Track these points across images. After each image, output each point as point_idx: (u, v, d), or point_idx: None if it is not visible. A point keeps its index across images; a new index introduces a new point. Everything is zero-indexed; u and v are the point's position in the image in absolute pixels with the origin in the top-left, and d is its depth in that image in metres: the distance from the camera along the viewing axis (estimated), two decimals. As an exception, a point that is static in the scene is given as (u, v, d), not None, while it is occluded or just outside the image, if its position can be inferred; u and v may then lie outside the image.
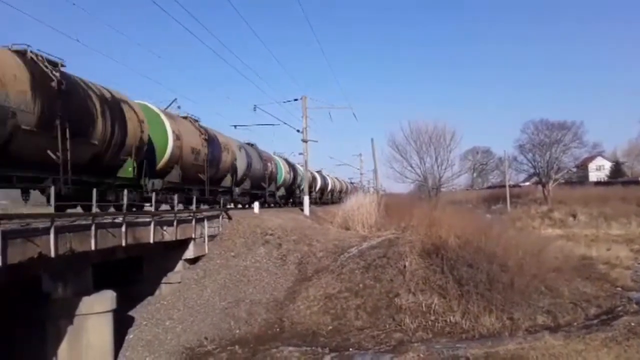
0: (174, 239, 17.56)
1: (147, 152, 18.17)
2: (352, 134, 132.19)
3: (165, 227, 16.97)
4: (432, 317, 16.26)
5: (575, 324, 15.89)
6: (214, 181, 24.23)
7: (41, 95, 12.33)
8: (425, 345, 14.47)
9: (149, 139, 18.19)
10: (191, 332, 15.89)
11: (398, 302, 17.08)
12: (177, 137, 19.86)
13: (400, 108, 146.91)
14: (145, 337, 15.60)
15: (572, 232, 40.04)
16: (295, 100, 35.07)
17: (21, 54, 12.53)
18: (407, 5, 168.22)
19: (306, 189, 34.86)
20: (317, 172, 55.24)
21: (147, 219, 15.86)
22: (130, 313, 16.44)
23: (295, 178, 41.96)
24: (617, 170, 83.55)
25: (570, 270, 19.89)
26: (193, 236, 19.06)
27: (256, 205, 27.47)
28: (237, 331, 16.02)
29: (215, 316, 16.62)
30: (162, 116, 19.75)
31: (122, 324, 15.03)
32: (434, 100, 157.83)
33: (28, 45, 12.79)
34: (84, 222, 12.64)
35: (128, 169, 16.57)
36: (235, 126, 35.07)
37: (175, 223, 17.48)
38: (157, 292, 18.07)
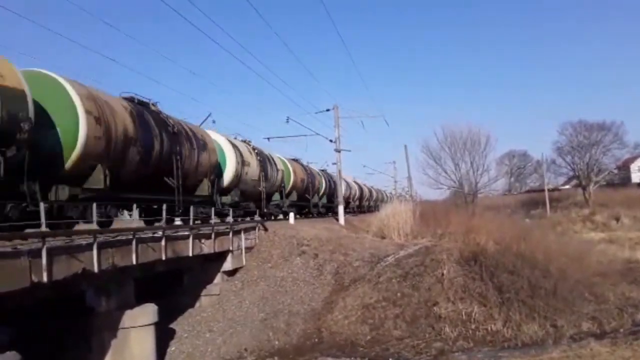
0: (212, 251, 17.81)
1: (217, 173, 21.37)
2: (385, 142, 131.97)
3: (203, 240, 17.25)
4: (473, 326, 16.00)
5: (621, 330, 15.45)
6: (267, 196, 27.32)
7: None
8: (466, 354, 14.28)
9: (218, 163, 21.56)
10: (231, 343, 16.03)
11: (437, 310, 16.87)
12: (238, 161, 23.41)
13: (433, 114, 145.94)
14: (186, 350, 15.81)
15: (615, 235, 38.81)
16: (327, 110, 35.32)
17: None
18: (437, 7, 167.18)
19: (341, 199, 34.91)
20: (351, 181, 55.27)
21: (186, 233, 16.15)
22: (171, 325, 16.70)
23: (332, 188, 42.23)
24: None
25: (615, 274, 19.35)
26: (230, 248, 19.30)
27: (291, 216, 27.66)
28: (276, 342, 16.09)
29: (254, 327, 16.74)
30: (228, 144, 23.33)
31: (163, 337, 15.28)
32: (467, 105, 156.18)
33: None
34: (125, 237, 12.96)
35: (204, 188, 19.95)
36: (268, 138, 35.62)
37: (213, 236, 17.74)
38: (197, 304, 18.33)
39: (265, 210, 26.55)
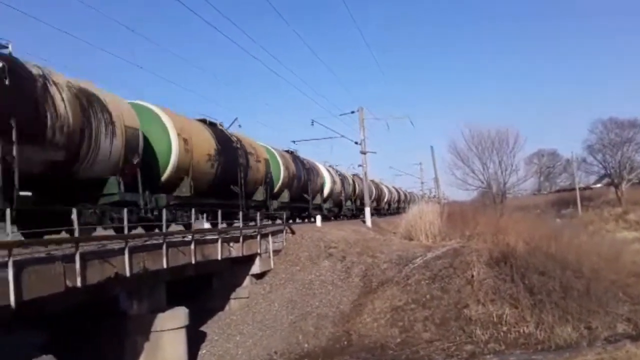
0: (240, 254, 17.96)
1: (268, 181, 24.30)
2: (411, 143, 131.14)
3: (232, 244, 17.41)
4: (504, 328, 15.78)
5: (658, 331, 15.02)
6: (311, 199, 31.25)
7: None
8: (498, 357, 14.12)
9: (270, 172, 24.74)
10: (261, 346, 16.14)
11: (467, 313, 16.69)
12: (286, 169, 26.86)
13: (459, 114, 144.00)
14: (217, 352, 15.99)
15: (650, 234, 37.89)
16: (352, 112, 35.32)
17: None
18: (460, 5, 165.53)
19: (367, 201, 34.85)
20: (378, 182, 55.08)
21: (215, 236, 16.32)
22: (202, 328, 16.91)
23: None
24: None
25: (651, 274, 18.80)
26: (258, 251, 19.43)
27: (318, 218, 27.71)
28: (306, 345, 16.13)
29: (284, 330, 16.82)
30: (277, 155, 26.62)
31: (194, 339, 15.48)
32: (494, 104, 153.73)
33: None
34: (155, 242, 13.17)
35: (259, 193, 23.29)
36: (294, 141, 36.08)
37: (241, 239, 17.89)
38: (226, 307, 18.51)
39: (312, 212, 30.67)
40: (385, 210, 56.08)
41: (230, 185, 20.07)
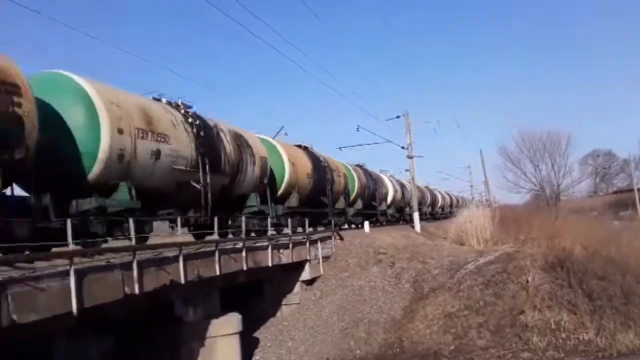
0: (290, 261, 18.15)
1: (346, 191, 28.69)
2: (458, 147, 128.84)
3: (281, 250, 17.60)
4: (563, 335, 15.26)
5: None
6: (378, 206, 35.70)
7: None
8: (557, 364, 13.63)
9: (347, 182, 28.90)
10: (312, 352, 16.19)
11: (523, 319, 16.22)
12: (359, 180, 31.14)
13: (508, 115, 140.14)
14: (269, 358, 16.15)
15: None
16: (398, 117, 35.13)
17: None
18: (507, 6, 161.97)
19: (415, 205, 34.50)
20: (426, 187, 54.56)
21: (265, 243, 16.54)
22: (255, 334, 17.12)
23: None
24: None
25: None
26: (308, 258, 19.57)
27: (366, 224, 27.65)
28: (358, 351, 16.07)
29: (335, 336, 16.82)
30: (352, 169, 30.97)
31: (247, 345, 15.67)
32: (544, 104, 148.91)
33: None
34: (208, 249, 13.47)
35: (341, 202, 27.58)
36: (340, 148, 36.56)
37: (290, 246, 18.07)
38: (278, 314, 18.70)
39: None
40: (439, 215, 56.57)
41: (321, 196, 24.80)
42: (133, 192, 12.36)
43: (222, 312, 14.45)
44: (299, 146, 25.29)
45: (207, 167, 15.21)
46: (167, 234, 14.59)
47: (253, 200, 18.40)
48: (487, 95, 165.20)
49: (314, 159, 25.15)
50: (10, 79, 9.32)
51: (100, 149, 11.61)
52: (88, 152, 11.52)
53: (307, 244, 19.58)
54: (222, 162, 16.26)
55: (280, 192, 21.25)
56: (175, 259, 11.85)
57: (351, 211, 29.19)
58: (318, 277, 20.14)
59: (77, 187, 11.50)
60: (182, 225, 14.76)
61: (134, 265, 10.33)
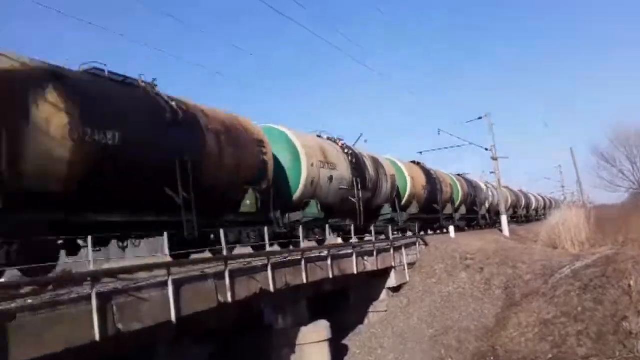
0: (375, 268, 18.07)
1: (452, 199, 32.24)
2: (546, 146, 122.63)
3: (366, 258, 17.58)
4: (672, 342, 14.12)
5: None
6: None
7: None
8: (668, 375, 12.61)
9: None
10: (403, 360, 16.00)
11: (627, 326, 15.13)
12: (462, 188, 33.46)
13: (598, 112, 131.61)
14: (359, 366, 16.13)
15: None
16: (479, 118, 34.23)
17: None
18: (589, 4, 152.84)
19: (502, 208, 33.46)
20: (513, 189, 52.66)
21: (349, 251, 16.60)
22: (343, 342, 17.17)
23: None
24: None
25: None
26: (393, 264, 19.40)
27: (451, 229, 27.02)
28: (449, 360, 15.71)
29: (425, 344, 16.52)
30: (456, 180, 33.10)
31: (336, 353, 15.71)
32: (635, 97, 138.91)
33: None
34: (295, 258, 13.71)
35: (447, 209, 30.98)
36: (420, 152, 36.15)
37: (375, 253, 18.00)
38: (365, 321, 18.66)
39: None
40: (533, 217, 55.41)
41: (432, 204, 28.40)
42: (319, 206, 16.86)
43: (310, 320, 14.63)
44: (413, 162, 29.55)
45: (359, 185, 19.56)
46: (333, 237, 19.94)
47: (387, 210, 22.93)
48: (576, 90, 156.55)
49: (426, 172, 29.30)
50: (259, 136, 14.90)
51: (301, 179, 16.47)
52: (294, 181, 16.48)
53: (392, 250, 19.43)
54: (367, 181, 20.60)
55: (403, 202, 25.51)
56: (264, 267, 12.16)
57: (457, 216, 32.49)
58: (404, 283, 19.91)
59: (287, 205, 15.97)
60: (333, 232, 19.43)
61: (226, 274, 10.70)
